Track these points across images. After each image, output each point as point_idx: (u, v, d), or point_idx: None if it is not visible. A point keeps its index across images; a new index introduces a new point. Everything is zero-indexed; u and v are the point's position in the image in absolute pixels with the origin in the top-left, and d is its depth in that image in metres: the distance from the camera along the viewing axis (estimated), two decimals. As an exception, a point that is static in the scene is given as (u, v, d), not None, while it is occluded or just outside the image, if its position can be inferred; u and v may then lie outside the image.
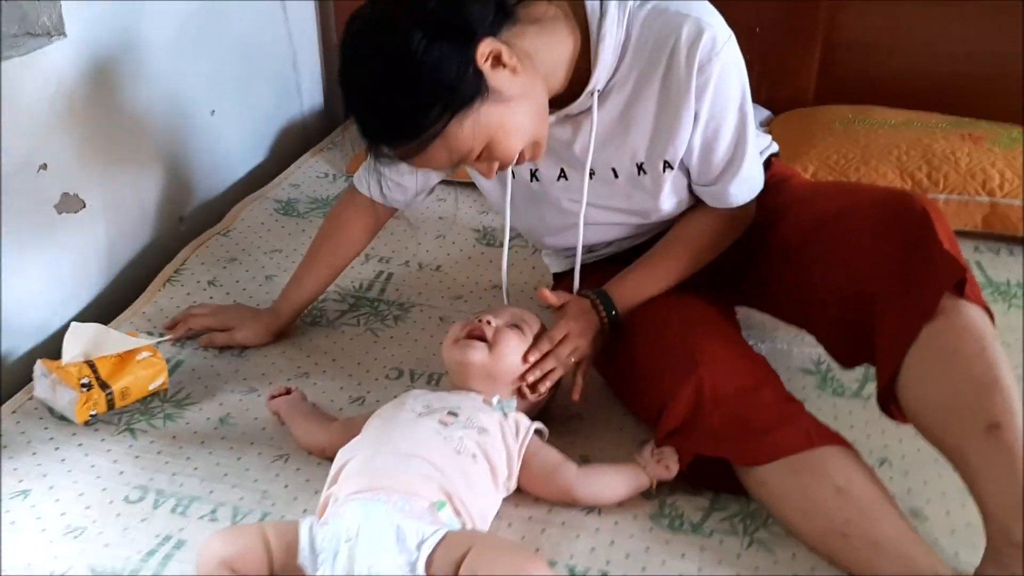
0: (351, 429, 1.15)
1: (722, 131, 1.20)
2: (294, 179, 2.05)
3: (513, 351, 1.18)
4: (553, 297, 1.26)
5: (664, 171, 1.24)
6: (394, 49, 1.01)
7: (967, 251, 1.75)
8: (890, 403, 1.12)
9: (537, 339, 1.22)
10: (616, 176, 1.26)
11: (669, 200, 1.28)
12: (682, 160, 1.24)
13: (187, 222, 1.86)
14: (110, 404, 1.30)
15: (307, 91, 2.31)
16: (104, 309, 1.61)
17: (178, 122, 1.81)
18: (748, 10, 2.11)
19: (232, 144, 2.01)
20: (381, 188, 1.40)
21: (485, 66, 1.04)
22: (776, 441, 1.09)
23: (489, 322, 1.20)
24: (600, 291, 1.29)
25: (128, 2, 1.62)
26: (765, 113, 2.17)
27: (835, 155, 1.88)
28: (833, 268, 1.18)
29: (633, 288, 1.30)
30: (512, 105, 1.07)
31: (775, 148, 1.45)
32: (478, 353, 1.17)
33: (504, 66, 1.06)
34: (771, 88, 2.17)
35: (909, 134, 1.89)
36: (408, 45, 1.00)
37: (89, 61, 1.52)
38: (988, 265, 1.72)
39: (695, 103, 1.17)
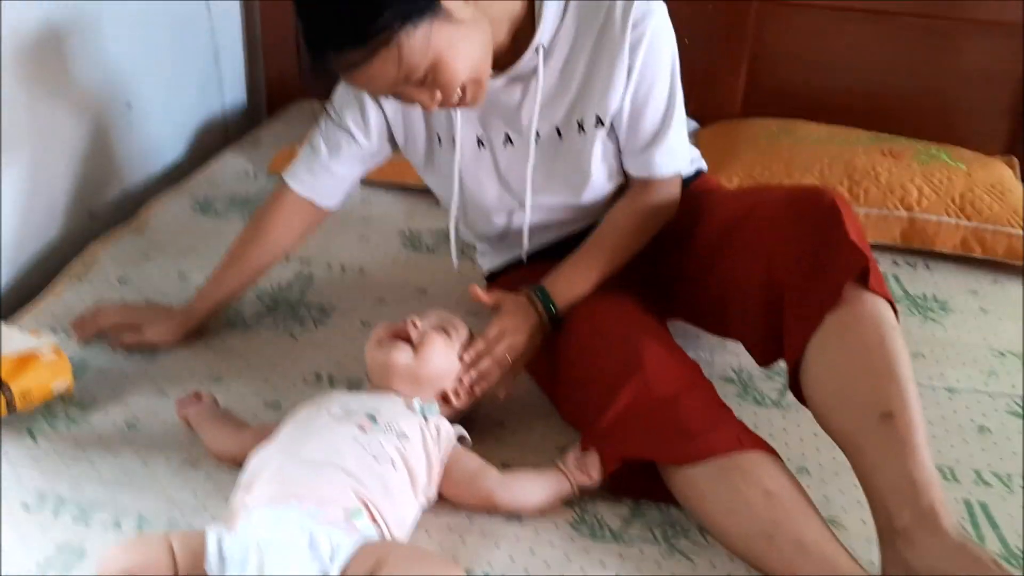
0: (264, 436, 1.11)
1: (652, 96, 1.25)
2: (213, 176, 2.00)
3: (439, 355, 1.17)
4: (485, 295, 1.25)
5: (596, 126, 1.27)
6: None
7: (885, 265, 1.79)
8: (802, 391, 1.14)
9: (468, 343, 1.21)
10: (560, 136, 1.29)
11: (600, 167, 1.30)
12: (612, 126, 1.27)
13: (98, 217, 1.80)
14: (10, 406, 1.24)
15: (229, 86, 2.26)
16: (6, 306, 1.54)
17: (92, 113, 1.75)
18: (677, 22, 2.14)
19: (149, 138, 1.95)
20: (314, 179, 1.38)
21: None
22: (708, 442, 1.09)
23: (415, 324, 1.18)
24: (536, 286, 1.28)
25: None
26: (693, 124, 2.19)
27: (759, 167, 1.91)
28: (746, 263, 1.20)
29: (567, 283, 1.29)
30: (461, 30, 1.09)
31: (703, 165, 1.46)
32: (403, 355, 1.15)
33: None
34: (699, 99, 2.17)
35: (832, 148, 1.93)
36: None
37: (6, 46, 1.46)
38: (906, 279, 1.76)
39: (628, 57, 1.21)
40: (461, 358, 1.18)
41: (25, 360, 1.27)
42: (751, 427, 1.29)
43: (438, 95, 1.13)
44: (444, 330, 1.20)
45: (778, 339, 1.17)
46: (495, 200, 1.35)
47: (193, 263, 1.66)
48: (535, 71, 1.23)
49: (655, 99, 1.25)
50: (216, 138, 2.20)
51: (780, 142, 1.97)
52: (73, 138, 1.70)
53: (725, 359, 1.48)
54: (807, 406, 1.15)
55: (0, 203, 1.53)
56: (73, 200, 1.72)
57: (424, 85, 1.11)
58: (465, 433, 1.15)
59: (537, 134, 1.27)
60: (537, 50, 1.21)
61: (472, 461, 1.13)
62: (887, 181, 1.84)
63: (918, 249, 1.82)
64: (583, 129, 1.27)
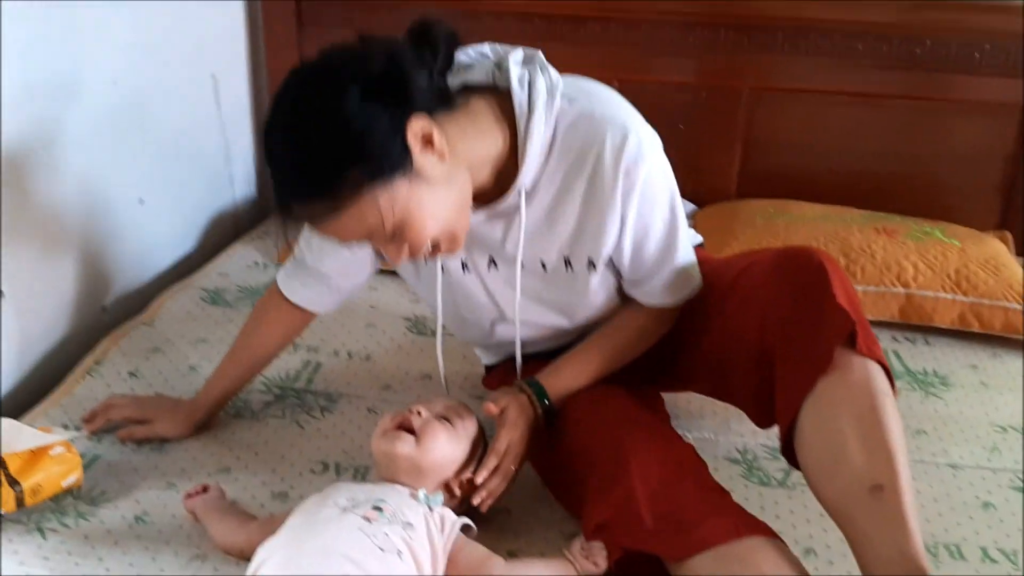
0: (271, 528, 1.10)
1: (651, 230, 1.22)
2: (223, 267, 2.02)
3: (441, 445, 1.17)
4: (495, 407, 1.25)
5: (588, 269, 1.25)
6: (326, 101, 1.00)
7: (884, 340, 1.79)
8: (795, 455, 1.13)
9: (476, 445, 1.21)
10: (545, 269, 1.27)
11: (597, 295, 1.29)
12: (611, 260, 1.25)
13: (110, 311, 1.82)
14: (19, 502, 1.24)
15: (240, 181, 2.30)
16: (18, 402, 1.55)
17: (104, 210, 1.78)
18: (672, 108, 2.19)
19: (160, 233, 1.99)
20: (303, 289, 1.38)
21: (414, 143, 1.04)
22: (704, 533, 1.08)
23: (420, 413, 1.18)
24: (534, 382, 1.29)
25: (55, 87, 1.60)
26: (690, 207, 2.22)
27: (756, 246, 1.92)
28: (739, 326, 1.20)
29: (565, 380, 1.30)
30: (433, 189, 1.06)
31: (699, 239, 1.48)
32: (405, 445, 1.15)
33: (432, 149, 1.06)
34: (696, 183, 2.23)
35: (827, 227, 1.95)
36: (341, 99, 1.00)
37: (8, 146, 1.50)
38: (906, 355, 1.76)
39: (621, 207, 1.18)
40: (472, 479, 1.18)
41: (35, 456, 1.27)
42: (756, 509, 1.29)
43: (405, 250, 1.10)
44: (448, 419, 1.20)
45: (772, 402, 1.17)
46: (484, 316, 1.36)
47: (203, 354, 1.67)
48: (518, 209, 1.21)
49: (654, 238, 1.22)
50: (226, 231, 2.23)
51: (776, 222, 1.99)
52: (85, 233, 1.73)
53: (729, 439, 1.48)
54: (800, 471, 1.14)
55: (2, 298, 1.54)
56: (84, 295, 1.74)
57: (392, 240, 1.09)
58: (471, 523, 1.14)
59: (522, 264, 1.26)
60: (520, 192, 1.19)
61: (477, 550, 1.12)
62: (883, 258, 1.86)
63: (917, 325, 1.83)
64: (572, 268, 1.25)
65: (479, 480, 1.18)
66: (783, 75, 2.11)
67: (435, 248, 1.13)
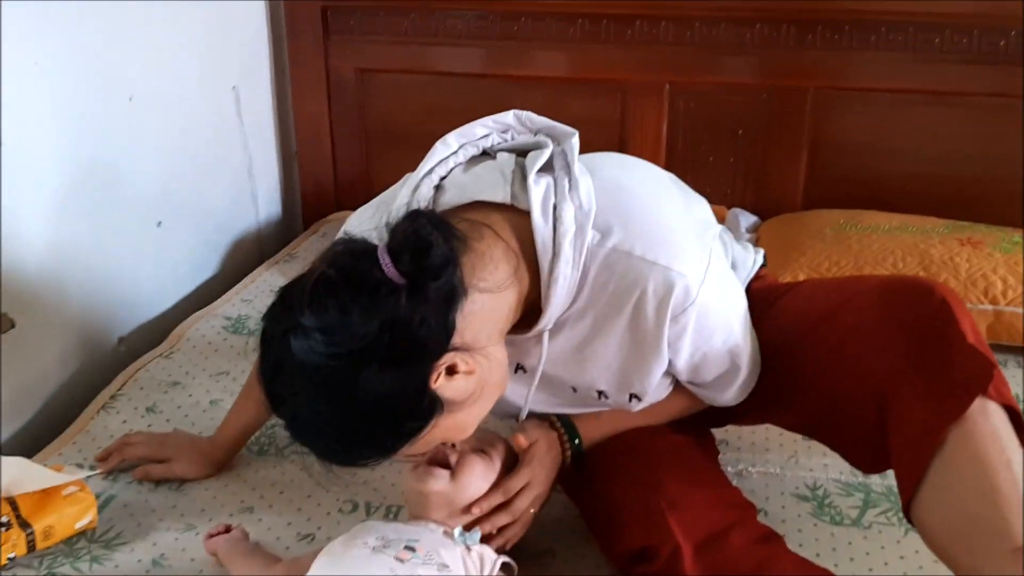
0: (297, 570, 1.13)
1: (711, 355, 1.19)
2: (246, 294, 2.07)
3: (477, 479, 1.18)
4: (524, 440, 1.25)
5: (631, 400, 1.23)
6: (342, 391, 0.97)
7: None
8: (912, 516, 1.11)
9: (504, 468, 1.21)
10: (575, 391, 1.25)
11: (643, 406, 1.27)
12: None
13: (127, 343, 1.86)
14: (31, 546, 1.27)
15: (264, 200, 2.35)
16: (31, 439, 1.59)
17: (120, 234, 1.83)
18: (730, 112, 2.20)
19: (180, 257, 2.04)
20: None
21: (439, 384, 1.01)
22: None
23: (453, 446, 1.20)
24: (568, 422, 1.29)
25: (65, 103, 1.66)
26: (752, 219, 2.21)
27: (826, 263, 1.91)
28: (836, 369, 1.17)
29: (603, 426, 1.29)
30: (468, 407, 1.06)
31: (761, 256, 1.47)
32: (439, 481, 1.17)
33: (459, 373, 1.03)
34: (758, 192, 2.24)
35: (905, 239, 1.94)
36: (357, 386, 0.96)
37: (16, 172, 1.55)
38: (995, 378, 1.73)
39: (670, 351, 1.15)
40: (469, 508, 1.17)
41: (47, 496, 1.31)
42: (828, 551, 1.29)
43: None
44: (484, 451, 1.21)
45: (882, 447, 1.14)
46: (497, 408, 1.30)
47: (225, 388, 1.71)
48: (541, 341, 1.17)
49: (713, 357, 1.19)
50: (250, 254, 2.28)
51: (847, 234, 1.98)
52: (99, 259, 1.78)
53: (797, 474, 1.47)
54: (919, 532, 1.11)
55: (12, 329, 1.59)
56: (99, 325, 1.79)
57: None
58: (511, 561, 1.15)
59: (549, 381, 1.23)
60: (543, 332, 1.15)
61: (518, 593, 1.13)
62: (968, 272, 1.84)
63: (1007, 345, 1.80)
64: (607, 397, 1.23)
65: (476, 512, 1.16)
66: (852, 73, 2.11)
67: None
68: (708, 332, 1.15)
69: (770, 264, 1.53)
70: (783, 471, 1.48)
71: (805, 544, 1.31)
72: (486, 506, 1.18)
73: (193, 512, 1.39)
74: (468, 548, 1.13)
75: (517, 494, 1.21)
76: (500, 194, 1.10)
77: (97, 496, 1.37)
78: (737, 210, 2.23)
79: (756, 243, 2.05)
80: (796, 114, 2.16)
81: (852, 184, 2.18)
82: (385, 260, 0.97)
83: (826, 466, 1.47)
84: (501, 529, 1.20)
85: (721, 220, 2.16)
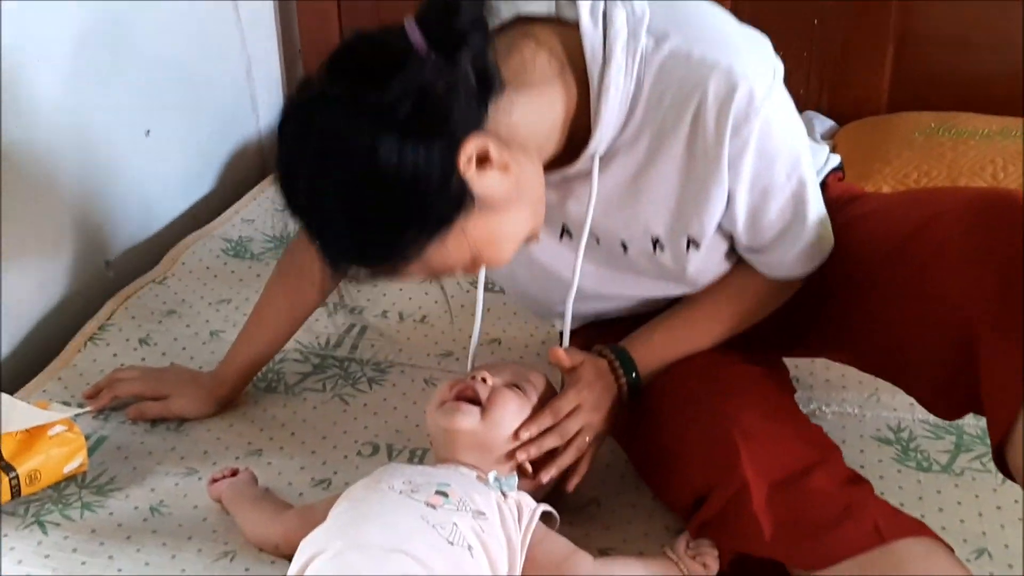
0: (312, 519, 1.14)
1: (772, 194, 1.19)
2: (247, 213, 2.07)
3: (512, 416, 1.19)
4: (566, 358, 1.26)
5: (688, 249, 1.23)
6: (359, 158, 0.99)
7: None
8: (1008, 462, 1.11)
9: (541, 406, 1.22)
10: (626, 251, 1.26)
11: (700, 272, 1.28)
12: (720, 225, 1.23)
13: (115, 268, 1.88)
14: (15, 491, 1.30)
15: (264, 105, 2.34)
16: (11, 374, 1.61)
17: (104, 145, 1.83)
18: (804, 1, 2.16)
19: (172, 172, 2.04)
20: None
21: (470, 171, 1.03)
22: (838, 539, 1.08)
23: (484, 380, 1.20)
24: (619, 348, 1.29)
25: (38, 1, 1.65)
26: (828, 124, 2.19)
27: (915, 173, 1.89)
28: (917, 298, 1.17)
29: (661, 349, 1.30)
30: (503, 212, 1.07)
31: (836, 161, 1.45)
32: (468, 418, 1.17)
33: (492, 164, 1.04)
34: (835, 93, 2.20)
35: (1006, 145, 1.91)
36: (378, 151, 0.98)
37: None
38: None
39: (730, 173, 1.16)
40: (517, 433, 1.18)
41: (32, 437, 1.33)
42: (914, 500, 1.30)
43: (482, 268, 1.17)
44: (519, 387, 1.22)
45: (964, 389, 1.14)
46: (550, 296, 1.35)
47: (226, 317, 1.72)
48: (589, 175, 1.19)
49: (776, 203, 1.20)
50: (251, 167, 2.28)
51: (939, 140, 1.96)
52: (82, 174, 1.79)
53: (879, 414, 1.47)
54: (1013, 478, 1.11)
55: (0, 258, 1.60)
56: (85, 249, 1.80)
57: (471, 269, 1.13)
58: (552, 510, 1.16)
59: (597, 239, 1.26)
60: (592, 157, 1.17)
61: (561, 545, 1.14)
62: (1080, 184, 1.81)
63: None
64: (663, 249, 1.24)
65: (524, 435, 1.18)
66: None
67: None
68: (771, 156, 1.16)
69: (849, 176, 1.51)
70: (862, 411, 1.48)
71: (888, 493, 1.30)
72: (535, 428, 1.19)
73: (194, 455, 1.41)
74: (504, 495, 1.13)
75: (567, 416, 1.21)
76: (544, 6, 1.14)
77: (87, 437, 1.40)
78: (811, 113, 2.20)
79: (833, 151, 2.02)
80: (881, 2, 2.11)
81: (945, 83, 2.14)
82: (412, 27, 1.00)
83: (912, 405, 1.44)
84: (552, 455, 1.20)
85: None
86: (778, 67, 1.16)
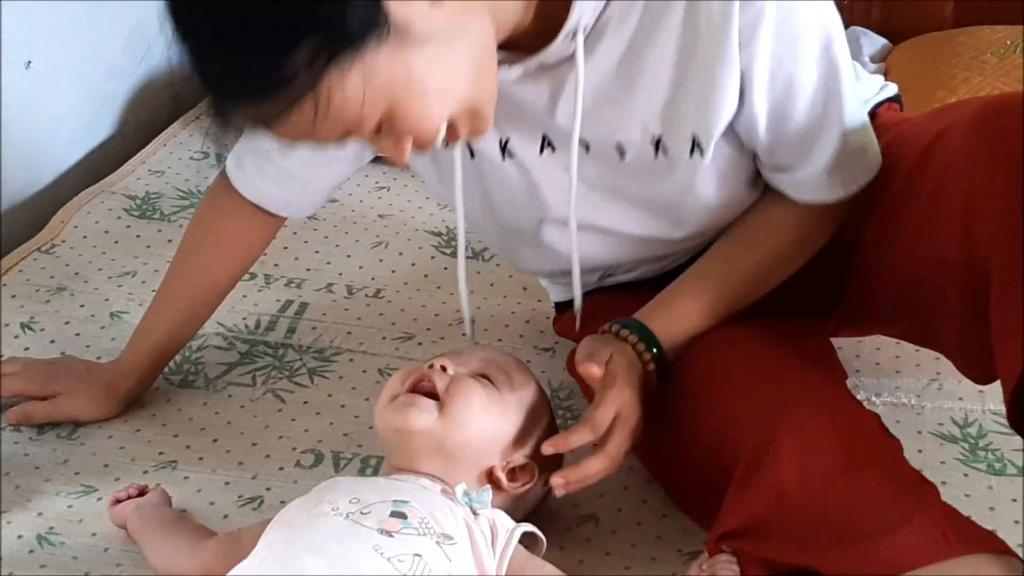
0: (238, 549, 1.14)
1: (797, 85, 1.20)
2: (155, 163, 2.06)
3: (477, 414, 1.19)
4: (598, 370, 1.24)
5: (693, 153, 1.24)
6: None
7: None
8: None
9: (535, 418, 1.23)
10: (622, 156, 1.26)
11: (712, 191, 1.28)
12: (739, 136, 1.24)
13: (-10, 234, 1.87)
14: None
15: (176, 29, 2.32)
16: None
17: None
18: None
19: (59, 113, 2.03)
20: (264, 182, 1.42)
21: None
22: (895, 548, 1.08)
23: (444, 368, 1.20)
24: (636, 323, 1.29)
25: None
26: (879, 43, 2.19)
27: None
28: (930, 234, 1.19)
29: (680, 319, 1.30)
30: (428, 50, 1.04)
31: (892, 90, 1.46)
32: (423, 416, 1.17)
33: None
34: (888, 4, 2.21)
35: (1098, 66, 1.92)
36: None
37: None
38: None
39: (741, 55, 1.16)
40: (535, 456, 1.19)
41: None
42: (983, 510, 1.31)
43: (407, 143, 1.10)
44: (487, 377, 1.22)
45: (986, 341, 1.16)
46: (529, 232, 1.36)
47: (130, 294, 1.72)
48: (571, 60, 1.19)
49: (803, 97, 1.20)
50: (160, 106, 2.27)
51: (1017, 62, 1.98)
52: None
53: (940, 405, 1.48)
54: None
55: None
56: (-47, 210, 1.80)
57: (383, 134, 1.09)
58: (537, 531, 1.17)
59: (586, 144, 1.26)
60: (573, 35, 1.17)
61: (546, 573, 1.14)
62: None
63: None
64: (665, 152, 1.25)
65: (548, 450, 1.18)
66: None
67: (452, 133, 1.13)
68: (793, 37, 1.16)
69: (907, 106, 1.51)
70: (920, 401, 1.49)
71: (952, 500, 1.28)
72: (574, 440, 1.19)
73: (92, 469, 1.41)
74: (475, 513, 1.14)
75: (609, 430, 1.21)
76: None
77: (-42, 449, 1.40)
78: (859, 30, 2.21)
79: (884, 75, 2.03)
80: None
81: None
82: None
83: (982, 393, 1.47)
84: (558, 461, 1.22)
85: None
86: None
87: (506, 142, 1.30)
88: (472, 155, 1.31)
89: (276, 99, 1.02)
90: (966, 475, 1.38)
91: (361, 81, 1.02)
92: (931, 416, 1.47)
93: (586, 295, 1.43)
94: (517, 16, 1.15)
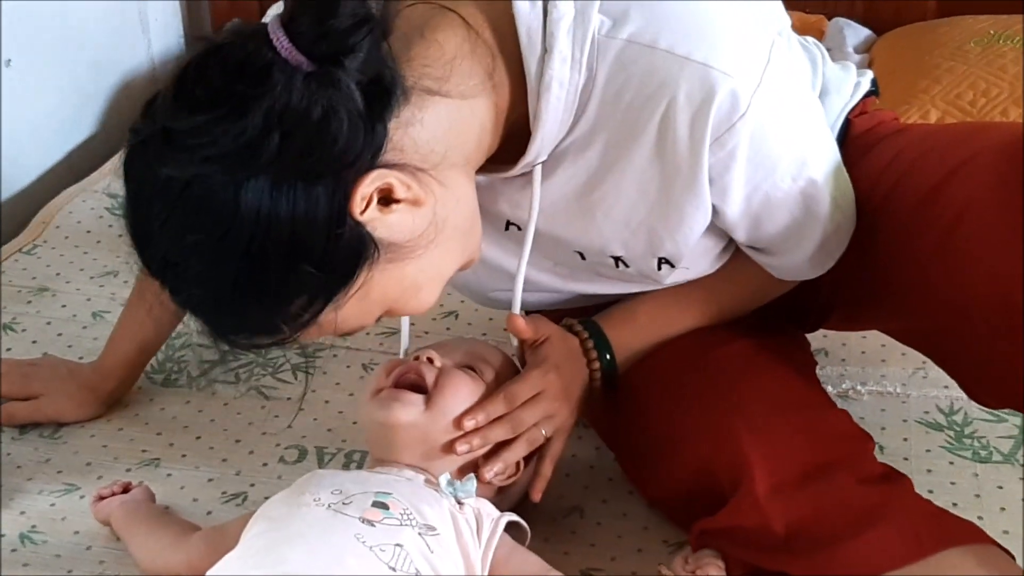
0: (222, 544, 1.14)
1: (774, 201, 1.18)
2: (138, 161, 2.06)
3: (464, 405, 1.19)
4: (528, 328, 1.26)
5: (661, 267, 1.24)
6: (218, 220, 0.96)
7: None
8: None
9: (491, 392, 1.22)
10: (583, 258, 1.26)
11: (682, 279, 1.28)
12: (711, 227, 1.22)
13: (-30, 234, 1.87)
14: None
15: (157, 26, 2.32)
16: None
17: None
18: None
19: (41, 110, 2.03)
20: None
21: (369, 214, 1.01)
22: (867, 550, 1.09)
23: (431, 360, 1.21)
24: (593, 325, 1.30)
25: None
26: (863, 33, 2.19)
27: (970, 92, 1.91)
28: (946, 263, 1.17)
29: (644, 329, 1.31)
30: (419, 255, 1.06)
31: (867, 85, 1.45)
32: (409, 409, 1.17)
33: (399, 202, 1.03)
34: (873, -6, 2.22)
35: (1083, 56, 1.92)
36: (239, 214, 0.96)
37: None
38: None
39: (711, 191, 1.15)
40: (459, 421, 1.18)
41: None
42: (969, 496, 1.31)
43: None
44: (474, 369, 1.22)
45: (1009, 381, 1.16)
46: (492, 289, 1.36)
47: (112, 294, 1.72)
48: (530, 179, 1.19)
49: (783, 210, 1.19)
50: (141, 104, 2.25)
51: (1001, 50, 1.98)
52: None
53: (926, 393, 1.49)
54: None
55: None
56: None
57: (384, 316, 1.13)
58: (521, 521, 1.17)
59: (554, 241, 1.25)
60: (533, 166, 1.17)
61: (532, 565, 1.14)
62: None
63: None
64: (626, 265, 1.25)
65: (468, 424, 1.18)
66: None
67: None
68: (769, 164, 1.15)
69: (887, 98, 1.52)
70: (906, 390, 1.50)
71: (937, 489, 1.32)
72: (483, 416, 1.19)
73: (75, 467, 1.41)
74: (460, 503, 1.14)
75: (524, 405, 1.21)
76: None
77: (-61, 449, 1.40)
78: (842, 20, 2.21)
79: (868, 67, 2.03)
80: None
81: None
82: (277, 34, 0.95)
83: (967, 381, 1.47)
84: (497, 449, 1.21)
85: (819, 36, 2.13)
86: (777, 43, 1.14)
87: None
88: None
89: (278, 336, 1.05)
90: (952, 463, 1.38)
91: (356, 305, 1.05)
92: (916, 404, 1.47)
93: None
94: (485, 152, 1.14)
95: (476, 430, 1.18)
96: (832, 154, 1.22)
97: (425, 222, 1.05)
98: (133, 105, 2.19)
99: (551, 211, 1.19)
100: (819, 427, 1.22)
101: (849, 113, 1.36)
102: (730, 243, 1.27)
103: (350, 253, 1.01)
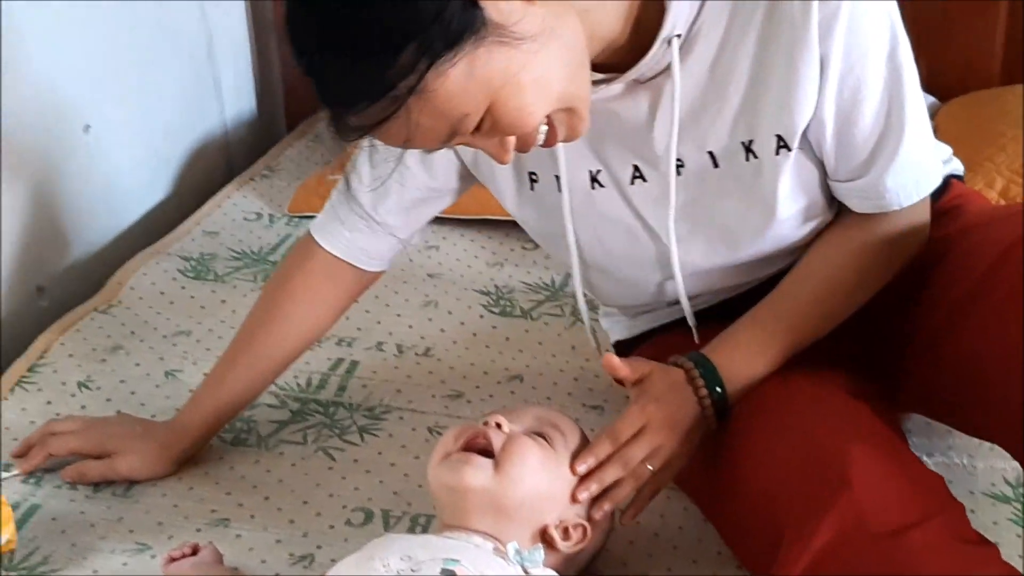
0: (291, 605, 1.15)
1: (865, 89, 1.23)
2: (210, 224, 2.09)
3: (533, 472, 1.19)
4: (624, 367, 1.27)
5: (779, 151, 1.26)
6: None
7: None
8: None
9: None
10: (716, 162, 1.29)
11: (791, 203, 1.30)
12: (809, 143, 1.26)
13: (49, 295, 1.89)
14: (-72, 574, 1.31)
15: (231, 91, 2.35)
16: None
17: (33, 145, 1.85)
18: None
19: (117, 175, 2.06)
20: (354, 236, 1.44)
21: None
22: None
23: (499, 425, 1.21)
24: (699, 355, 1.30)
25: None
26: (927, 100, 2.16)
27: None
28: (1004, 328, 1.18)
29: (747, 354, 1.31)
30: (526, 47, 1.09)
31: (958, 168, 1.47)
32: (479, 474, 1.18)
33: None
34: (934, 62, 2.16)
35: None
36: None
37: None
38: None
39: (819, 48, 1.20)
40: (572, 467, 1.20)
41: (-51, 507, 1.34)
42: (1038, 568, 1.28)
43: (510, 142, 1.16)
44: (543, 435, 1.22)
45: None
46: (626, 262, 1.38)
47: (185, 353, 1.74)
48: (667, 71, 1.24)
49: (869, 94, 1.23)
50: (214, 168, 2.29)
51: (1069, 119, 1.96)
52: (7, 183, 1.79)
53: (992, 465, 1.48)
54: None
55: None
56: (12, 273, 1.81)
57: (485, 133, 1.14)
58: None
59: (680, 163, 1.28)
60: (669, 41, 1.21)
61: (597, 634, 1.14)
62: None
63: None
64: (755, 155, 1.28)
65: (580, 468, 1.19)
66: None
67: (551, 134, 1.17)
68: (864, 41, 1.20)
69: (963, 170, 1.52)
70: (972, 461, 1.48)
71: (1007, 561, 1.30)
72: (592, 459, 1.20)
73: (146, 527, 1.42)
74: (527, 572, 1.14)
75: (630, 442, 1.22)
76: None
77: (14, 507, 1.41)
78: (906, 88, 2.20)
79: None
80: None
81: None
82: None
83: (1035, 452, 1.46)
84: (607, 490, 1.21)
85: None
86: None
87: (595, 173, 1.33)
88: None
89: (383, 102, 1.08)
90: (1019, 535, 1.36)
91: (462, 79, 1.08)
92: (983, 476, 1.46)
93: (649, 334, 1.44)
94: (613, 28, 1.20)
95: (589, 474, 1.20)
96: (915, 74, 1.26)
97: (535, 21, 1.09)
98: (207, 168, 2.25)
99: (689, 103, 1.26)
100: (917, 482, 1.20)
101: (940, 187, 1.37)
102: (825, 210, 1.31)
103: (460, 15, 1.05)
